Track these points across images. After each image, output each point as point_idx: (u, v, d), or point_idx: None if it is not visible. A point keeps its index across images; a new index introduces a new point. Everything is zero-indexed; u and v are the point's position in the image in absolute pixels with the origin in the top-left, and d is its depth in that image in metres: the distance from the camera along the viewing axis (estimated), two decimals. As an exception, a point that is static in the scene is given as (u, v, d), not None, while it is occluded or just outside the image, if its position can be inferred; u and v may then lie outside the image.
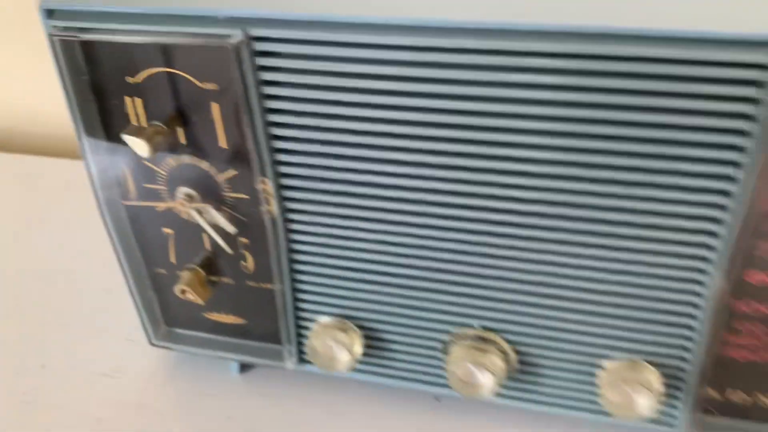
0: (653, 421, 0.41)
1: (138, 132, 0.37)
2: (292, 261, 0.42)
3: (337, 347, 0.43)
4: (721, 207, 0.33)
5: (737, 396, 0.40)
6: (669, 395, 0.40)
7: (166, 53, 0.36)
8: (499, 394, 0.43)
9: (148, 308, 0.48)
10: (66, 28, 0.36)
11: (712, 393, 0.40)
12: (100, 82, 0.39)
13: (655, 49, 0.30)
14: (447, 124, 0.34)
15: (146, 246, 0.45)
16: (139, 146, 0.37)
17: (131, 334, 0.54)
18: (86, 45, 0.37)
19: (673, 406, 0.40)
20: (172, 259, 0.45)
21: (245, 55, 0.34)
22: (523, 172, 0.35)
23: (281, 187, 0.39)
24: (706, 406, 0.40)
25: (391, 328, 0.43)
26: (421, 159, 0.36)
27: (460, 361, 0.40)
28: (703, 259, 0.35)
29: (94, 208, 0.43)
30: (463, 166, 0.35)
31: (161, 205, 0.43)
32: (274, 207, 0.40)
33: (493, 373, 0.40)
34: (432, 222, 0.38)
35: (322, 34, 0.33)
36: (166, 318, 0.49)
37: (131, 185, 0.43)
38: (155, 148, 0.37)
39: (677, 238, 0.34)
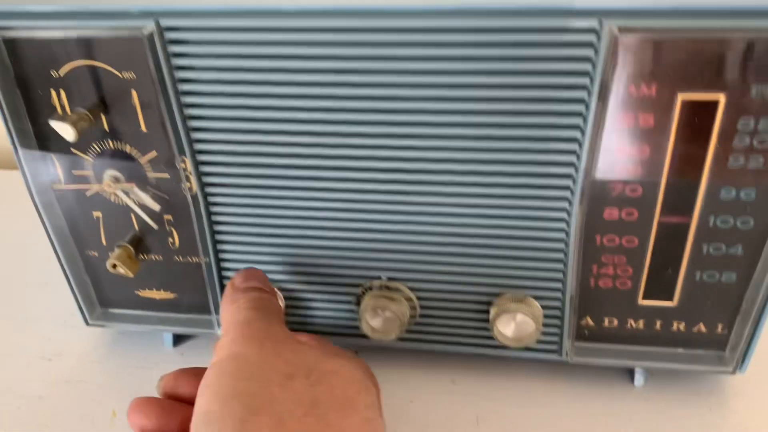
0: (543, 350, 0.47)
1: (63, 118, 0.41)
2: (215, 233, 0.47)
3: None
4: (571, 152, 0.39)
5: (608, 321, 0.46)
6: (552, 325, 0.46)
7: (87, 47, 0.40)
8: (404, 338, 0.48)
9: (82, 290, 0.51)
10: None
11: (587, 321, 0.46)
12: (26, 77, 0.42)
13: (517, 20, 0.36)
14: (336, 89, 0.40)
15: (78, 230, 0.49)
16: (65, 131, 0.40)
17: (68, 320, 0.57)
18: (10, 42, 0.41)
19: (558, 335, 0.47)
20: (103, 240, 0.49)
21: (158, 44, 0.39)
22: (415, 134, 0.40)
23: (199, 163, 0.44)
24: (582, 333, 0.47)
25: (309, 287, 0.48)
26: (320, 127, 0.41)
27: (370, 309, 0.45)
28: (567, 200, 0.41)
29: (26, 206, 0.47)
30: (359, 132, 0.41)
31: (91, 189, 0.46)
32: (194, 184, 0.44)
33: (399, 318, 0.45)
34: (338, 185, 0.43)
35: (226, 21, 0.38)
36: (101, 299, 0.52)
37: (61, 173, 0.46)
38: (80, 132, 0.41)
39: (546, 182, 0.41)
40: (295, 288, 0.48)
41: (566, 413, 0.47)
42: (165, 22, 0.39)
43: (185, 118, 0.42)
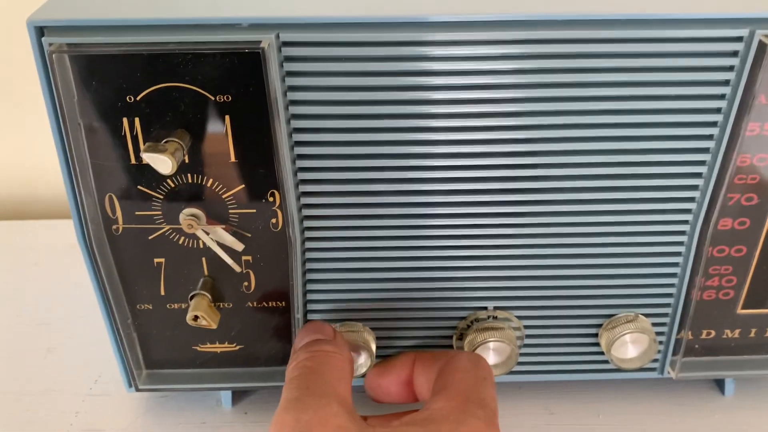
0: (644, 368, 0.46)
1: (158, 149, 0.35)
2: (306, 272, 0.42)
3: (354, 349, 0.43)
4: (702, 163, 0.39)
5: (706, 333, 0.46)
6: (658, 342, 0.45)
7: (175, 66, 0.35)
8: (514, 370, 0.45)
9: (132, 351, 0.44)
10: (70, 45, 0.34)
11: (688, 335, 0.46)
12: (93, 103, 0.36)
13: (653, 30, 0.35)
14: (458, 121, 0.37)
15: (130, 280, 0.42)
16: (163, 163, 0.35)
17: (93, 389, 0.49)
18: (81, 63, 0.35)
19: (662, 352, 0.46)
20: (162, 290, 0.42)
21: (273, 60, 0.34)
22: (532, 152, 0.38)
23: (301, 195, 0.39)
24: (683, 347, 0.46)
25: (405, 325, 0.44)
26: (436, 160, 0.38)
27: (480, 343, 0.42)
28: (691, 212, 0.40)
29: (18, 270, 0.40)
30: (476, 164, 0.38)
31: (159, 230, 0.40)
32: (289, 218, 0.39)
33: (513, 350, 0.42)
34: (447, 210, 0.40)
35: (347, 34, 0.35)
36: (147, 360, 0.45)
37: (120, 214, 0.40)
38: (177, 164, 0.35)
39: (672, 195, 0.40)
40: (389, 327, 0.44)
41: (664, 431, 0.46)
42: (285, 36, 0.34)
43: (293, 145, 0.37)
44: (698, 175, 0.39)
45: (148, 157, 0.35)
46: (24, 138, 0.71)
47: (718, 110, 0.37)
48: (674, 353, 0.46)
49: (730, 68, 0.36)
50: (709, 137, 0.38)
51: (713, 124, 0.37)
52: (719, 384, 0.49)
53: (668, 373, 0.46)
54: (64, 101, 0.35)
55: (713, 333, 0.46)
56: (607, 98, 0.37)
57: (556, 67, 0.36)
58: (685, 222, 0.41)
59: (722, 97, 0.37)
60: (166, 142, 0.36)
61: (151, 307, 0.43)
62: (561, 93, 0.36)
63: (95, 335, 0.51)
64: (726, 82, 0.36)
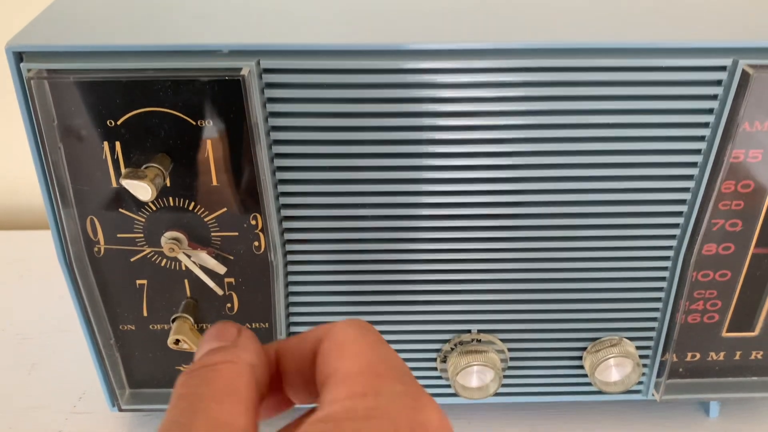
0: (629, 391, 0.46)
1: (138, 175, 0.34)
2: (289, 294, 0.42)
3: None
4: (686, 190, 0.39)
5: (691, 356, 0.46)
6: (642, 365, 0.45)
7: (156, 92, 0.35)
8: (498, 392, 0.45)
9: (115, 371, 0.44)
10: (49, 71, 0.33)
11: (673, 357, 0.46)
12: (73, 127, 0.36)
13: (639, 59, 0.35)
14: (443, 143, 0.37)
15: (113, 301, 0.42)
16: (142, 190, 0.34)
17: (77, 406, 0.49)
18: (59, 88, 0.35)
19: (646, 375, 0.46)
20: (144, 312, 0.42)
21: (254, 87, 0.34)
22: (520, 178, 0.38)
23: (283, 219, 0.39)
24: (668, 370, 0.46)
25: (388, 347, 0.44)
26: (419, 185, 0.38)
27: (463, 367, 0.42)
28: (675, 237, 0.40)
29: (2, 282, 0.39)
30: (464, 179, 0.38)
31: (140, 253, 0.40)
32: (271, 242, 0.39)
33: (497, 373, 0.42)
34: (431, 235, 0.40)
35: (328, 62, 0.34)
36: (131, 380, 0.45)
37: (102, 236, 0.39)
38: (157, 190, 0.35)
39: (656, 221, 0.40)
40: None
41: (652, 453, 0.46)
42: (266, 63, 0.34)
43: (275, 170, 0.37)
44: (682, 201, 0.39)
45: (127, 184, 0.34)
46: (7, 146, 0.71)
47: (702, 138, 0.37)
48: (659, 375, 0.46)
49: (714, 97, 0.36)
50: (694, 164, 0.38)
51: (697, 151, 0.37)
52: (704, 406, 0.49)
53: (653, 395, 0.46)
54: (43, 126, 0.35)
55: (698, 355, 0.46)
56: (592, 125, 0.37)
57: (540, 95, 0.36)
58: (669, 248, 0.41)
59: (706, 125, 0.36)
60: (146, 167, 0.35)
61: (134, 328, 0.43)
62: (546, 120, 0.36)
63: (80, 351, 0.51)
64: (710, 111, 0.36)
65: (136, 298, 0.42)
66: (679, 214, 0.39)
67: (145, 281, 0.41)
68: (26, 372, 0.52)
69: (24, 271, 0.61)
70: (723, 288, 0.43)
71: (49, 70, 0.34)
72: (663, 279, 0.42)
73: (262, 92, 0.35)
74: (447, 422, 0.24)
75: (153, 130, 0.36)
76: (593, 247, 0.40)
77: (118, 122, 0.36)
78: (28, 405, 0.49)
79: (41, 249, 0.63)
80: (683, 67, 0.35)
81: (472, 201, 0.39)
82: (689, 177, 0.38)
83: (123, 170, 0.36)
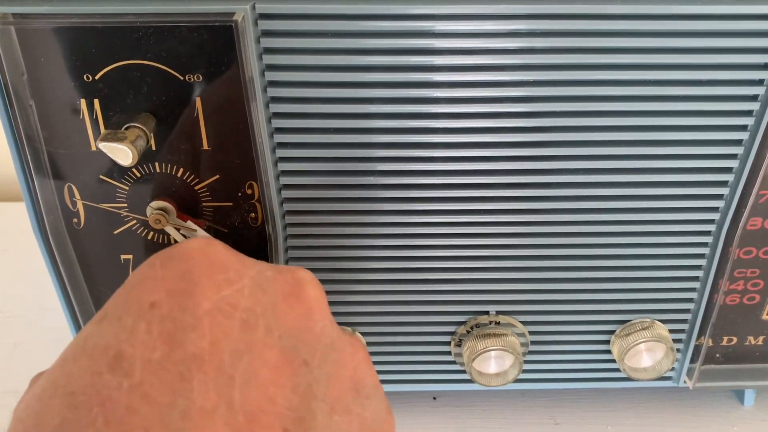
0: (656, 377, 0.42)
1: (117, 137, 0.30)
2: (288, 271, 0.38)
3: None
4: (734, 156, 0.34)
5: (728, 340, 0.42)
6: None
7: (139, 41, 0.31)
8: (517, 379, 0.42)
9: (98, 353, 0.40)
10: (16, 15, 0.29)
11: (708, 342, 0.42)
12: (45, 82, 0.32)
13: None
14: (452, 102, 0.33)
15: (97, 279, 0.38)
16: (122, 153, 0.30)
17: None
18: (26, 36, 0.30)
19: (675, 360, 0.42)
20: (130, 290, 0.38)
21: (249, 35, 0.30)
22: (537, 157, 0.34)
23: (282, 187, 0.35)
24: (703, 355, 0.42)
25: (400, 330, 0.40)
26: (435, 151, 0.34)
27: (481, 351, 0.38)
28: (714, 209, 0.36)
29: None
30: (478, 145, 0.34)
31: (124, 225, 0.36)
32: (269, 212, 0.35)
33: (518, 358, 0.39)
34: (445, 206, 0.36)
35: (332, 6, 0.30)
36: (117, 362, 0.42)
37: (81, 207, 0.35)
38: (139, 154, 0.31)
39: (692, 192, 0.36)
40: (381, 332, 0.40)
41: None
42: (262, 7, 0.30)
43: (272, 132, 0.33)
44: (728, 169, 0.35)
45: (105, 147, 0.30)
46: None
47: (754, 97, 0.33)
48: (692, 361, 0.42)
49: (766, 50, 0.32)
50: (743, 128, 0.34)
51: (748, 113, 0.33)
52: (738, 394, 0.45)
53: (685, 382, 0.42)
54: (10, 79, 0.31)
55: (735, 340, 0.42)
56: (628, 83, 0.32)
57: (569, 47, 0.31)
58: (711, 221, 0.37)
59: (760, 82, 0.32)
60: (126, 128, 0.31)
61: (118, 307, 0.39)
62: (575, 76, 0.32)
63: (66, 330, 0.47)
64: (765, 66, 0.32)
65: (121, 275, 0.38)
66: (723, 183, 0.35)
67: (130, 256, 0.37)
68: (8, 352, 0.48)
69: (6, 245, 0.58)
70: (766, 267, 0.39)
71: (15, 15, 0.30)
72: (702, 256, 0.38)
73: (258, 42, 0.31)
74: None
75: (135, 85, 0.32)
76: (625, 220, 0.36)
77: (96, 77, 0.32)
78: (9, 388, 0.46)
79: (24, 222, 0.59)
80: (736, 15, 0.31)
81: (491, 168, 0.35)
82: (737, 142, 0.34)
83: (102, 131, 0.32)
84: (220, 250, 0.23)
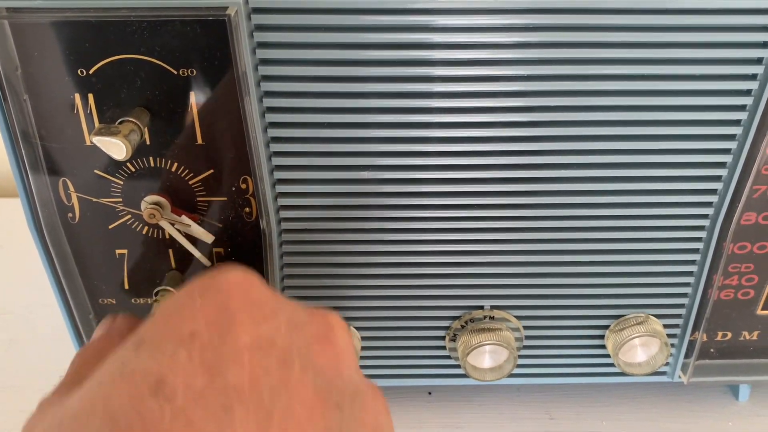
0: (654, 372, 0.42)
1: (110, 131, 0.30)
2: (284, 266, 0.38)
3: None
4: (727, 151, 0.35)
5: (722, 335, 0.42)
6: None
7: (132, 36, 0.31)
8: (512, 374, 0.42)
9: (94, 348, 0.40)
10: (9, 9, 0.29)
11: (702, 337, 0.42)
12: (39, 77, 0.32)
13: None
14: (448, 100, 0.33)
15: (92, 274, 0.38)
16: (116, 148, 0.30)
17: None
18: (24, 30, 0.30)
19: (669, 355, 0.42)
20: (126, 284, 0.38)
21: (242, 29, 0.30)
22: (542, 137, 0.34)
23: (276, 182, 0.35)
24: (697, 350, 0.42)
25: (393, 325, 0.40)
26: (429, 146, 0.34)
27: (475, 346, 0.38)
28: (708, 204, 0.36)
29: None
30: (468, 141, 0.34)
31: (119, 220, 0.36)
32: (264, 208, 0.35)
33: (512, 353, 0.39)
34: (440, 201, 0.36)
35: (327, 0, 0.30)
36: (112, 357, 0.42)
37: (76, 201, 0.36)
38: (133, 149, 0.31)
39: (686, 186, 0.36)
40: (375, 327, 0.40)
41: (677, 439, 0.43)
42: (255, 2, 0.30)
43: (266, 127, 0.33)
44: (722, 164, 0.35)
45: (98, 141, 0.30)
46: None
47: (747, 92, 0.33)
48: (686, 356, 0.42)
49: (764, 45, 0.32)
50: (736, 123, 0.34)
51: (742, 107, 0.33)
52: (733, 389, 0.46)
53: (679, 377, 0.43)
54: (4, 74, 0.31)
55: (730, 335, 0.42)
56: (622, 77, 0.32)
57: (564, 41, 0.31)
58: (705, 216, 0.37)
59: (753, 77, 0.32)
60: (120, 122, 0.31)
61: (114, 302, 0.39)
62: (569, 70, 0.32)
63: (61, 326, 0.47)
64: (759, 60, 0.32)
65: (116, 270, 0.38)
66: (717, 178, 0.35)
67: (125, 251, 0.37)
68: (3, 349, 0.48)
69: (2, 241, 0.58)
70: (761, 262, 0.39)
71: (9, 9, 0.30)
72: (696, 251, 0.38)
73: (252, 36, 0.31)
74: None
75: (129, 80, 0.32)
76: (619, 215, 0.36)
77: (90, 71, 0.32)
78: (4, 384, 0.46)
79: (20, 218, 0.59)
80: (730, 9, 0.31)
81: (486, 162, 0.35)
82: (731, 137, 0.34)
83: (97, 126, 0.32)
84: (258, 285, 0.23)
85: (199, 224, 0.36)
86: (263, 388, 0.20)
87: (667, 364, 0.42)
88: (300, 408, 0.21)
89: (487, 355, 0.39)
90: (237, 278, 0.23)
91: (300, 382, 0.21)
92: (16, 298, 0.52)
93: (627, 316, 0.40)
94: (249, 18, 0.30)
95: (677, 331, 0.41)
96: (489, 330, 0.39)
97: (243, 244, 0.37)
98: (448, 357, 0.41)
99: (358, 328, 0.40)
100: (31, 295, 0.52)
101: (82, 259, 0.38)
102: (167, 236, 0.37)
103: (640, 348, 0.39)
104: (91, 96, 0.32)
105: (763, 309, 0.41)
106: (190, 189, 0.35)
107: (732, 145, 0.34)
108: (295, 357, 0.22)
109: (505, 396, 0.45)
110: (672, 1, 0.30)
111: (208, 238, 0.36)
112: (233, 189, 0.35)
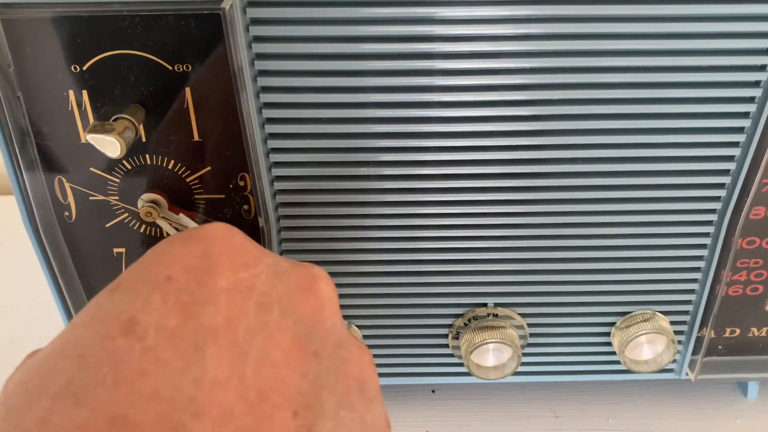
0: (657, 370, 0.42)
1: (105, 129, 0.30)
2: (282, 263, 0.37)
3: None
4: (735, 144, 0.34)
5: (730, 332, 0.41)
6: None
7: (126, 31, 0.30)
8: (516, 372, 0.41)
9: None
10: (1, 5, 0.29)
11: (710, 333, 0.41)
12: (32, 73, 0.31)
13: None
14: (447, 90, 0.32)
15: (89, 273, 0.38)
16: (110, 145, 0.30)
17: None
18: (12, 26, 0.30)
19: (676, 352, 0.41)
20: (124, 283, 0.38)
21: (237, 23, 0.29)
22: (538, 146, 0.33)
23: (275, 179, 0.34)
24: (705, 347, 0.41)
25: (396, 323, 0.39)
26: (429, 141, 0.33)
27: (478, 344, 0.38)
28: (716, 198, 0.35)
29: None
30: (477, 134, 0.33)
31: (115, 218, 0.36)
32: (263, 205, 0.35)
33: (516, 351, 0.38)
34: (441, 197, 0.35)
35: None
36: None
37: (72, 200, 0.35)
38: (128, 146, 0.31)
39: (693, 181, 0.35)
40: (378, 325, 0.40)
41: (684, 437, 0.42)
42: (250, -5, 0.29)
43: (264, 123, 0.33)
44: (730, 158, 0.34)
45: (93, 139, 0.30)
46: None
47: (756, 83, 0.32)
48: (694, 353, 0.41)
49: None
50: (745, 115, 0.33)
51: (750, 99, 0.32)
52: (741, 386, 0.45)
53: (687, 374, 0.42)
54: (-3, 71, 0.31)
55: (738, 331, 0.41)
56: (627, 69, 0.32)
57: (569, 33, 0.31)
58: (713, 211, 0.36)
59: (762, 68, 0.31)
60: (115, 119, 0.31)
61: (112, 301, 0.39)
62: (575, 63, 0.31)
63: (62, 324, 0.47)
64: (767, 51, 0.31)
65: (114, 269, 0.37)
66: (725, 172, 0.35)
67: (123, 250, 0.37)
68: (4, 347, 0.48)
69: (3, 239, 0.57)
70: (770, 257, 0.38)
71: (1, 4, 0.29)
72: (704, 246, 0.37)
73: (247, 30, 0.30)
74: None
75: (123, 76, 0.31)
76: (625, 210, 0.36)
77: (84, 67, 0.31)
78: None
79: (19, 215, 0.59)
80: (737, 16, 0.30)
81: (490, 157, 0.34)
82: (739, 129, 0.33)
83: (91, 123, 0.32)
84: (240, 236, 0.23)
85: (196, 222, 0.35)
86: (239, 329, 0.20)
87: (673, 361, 0.41)
88: (277, 351, 0.20)
89: (490, 354, 0.38)
90: (220, 228, 0.23)
91: (278, 326, 0.21)
92: (17, 296, 0.52)
93: (633, 313, 0.39)
94: (244, 12, 0.30)
95: (684, 327, 0.40)
96: (492, 328, 0.38)
97: (242, 241, 0.36)
98: (452, 355, 0.41)
99: (359, 326, 0.39)
100: (32, 293, 0.52)
101: (80, 259, 0.37)
102: (165, 234, 0.36)
103: (647, 345, 0.39)
104: (85, 93, 0.32)
105: (772, 305, 0.40)
106: (187, 187, 0.35)
107: (740, 138, 0.33)
108: (275, 302, 0.22)
109: (510, 394, 0.44)
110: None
111: (206, 236, 0.36)
112: (231, 186, 0.34)
